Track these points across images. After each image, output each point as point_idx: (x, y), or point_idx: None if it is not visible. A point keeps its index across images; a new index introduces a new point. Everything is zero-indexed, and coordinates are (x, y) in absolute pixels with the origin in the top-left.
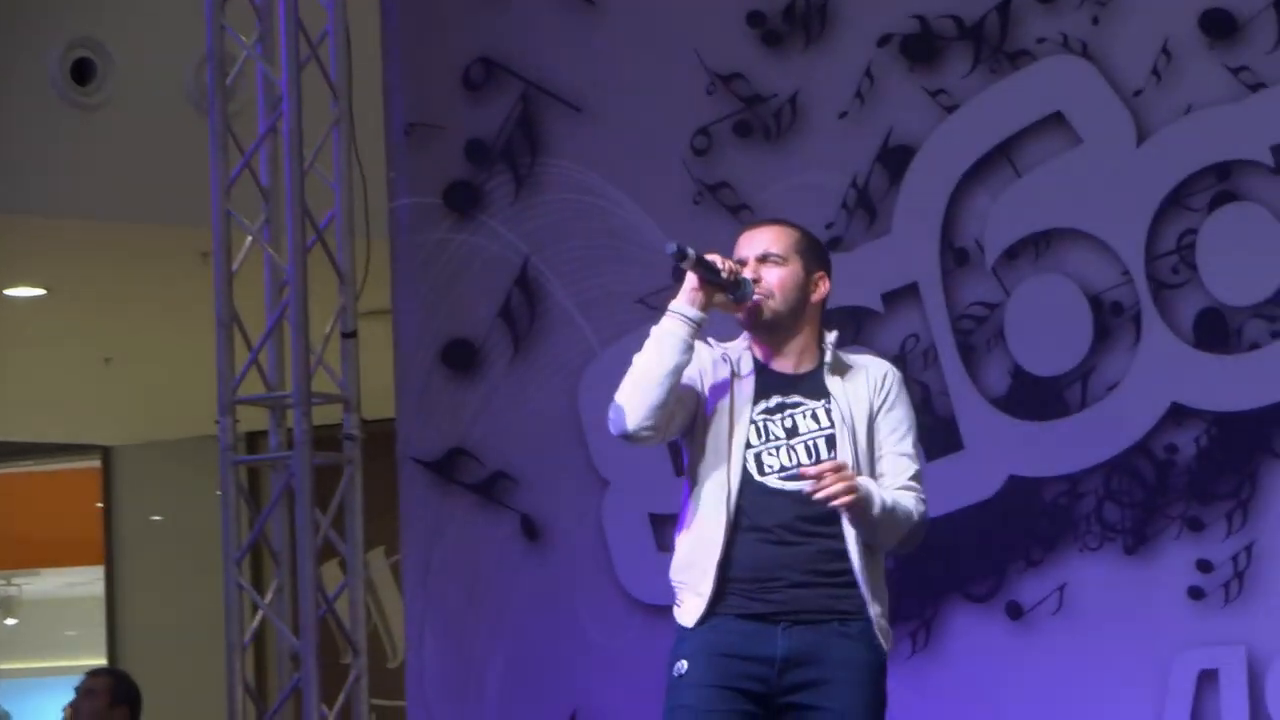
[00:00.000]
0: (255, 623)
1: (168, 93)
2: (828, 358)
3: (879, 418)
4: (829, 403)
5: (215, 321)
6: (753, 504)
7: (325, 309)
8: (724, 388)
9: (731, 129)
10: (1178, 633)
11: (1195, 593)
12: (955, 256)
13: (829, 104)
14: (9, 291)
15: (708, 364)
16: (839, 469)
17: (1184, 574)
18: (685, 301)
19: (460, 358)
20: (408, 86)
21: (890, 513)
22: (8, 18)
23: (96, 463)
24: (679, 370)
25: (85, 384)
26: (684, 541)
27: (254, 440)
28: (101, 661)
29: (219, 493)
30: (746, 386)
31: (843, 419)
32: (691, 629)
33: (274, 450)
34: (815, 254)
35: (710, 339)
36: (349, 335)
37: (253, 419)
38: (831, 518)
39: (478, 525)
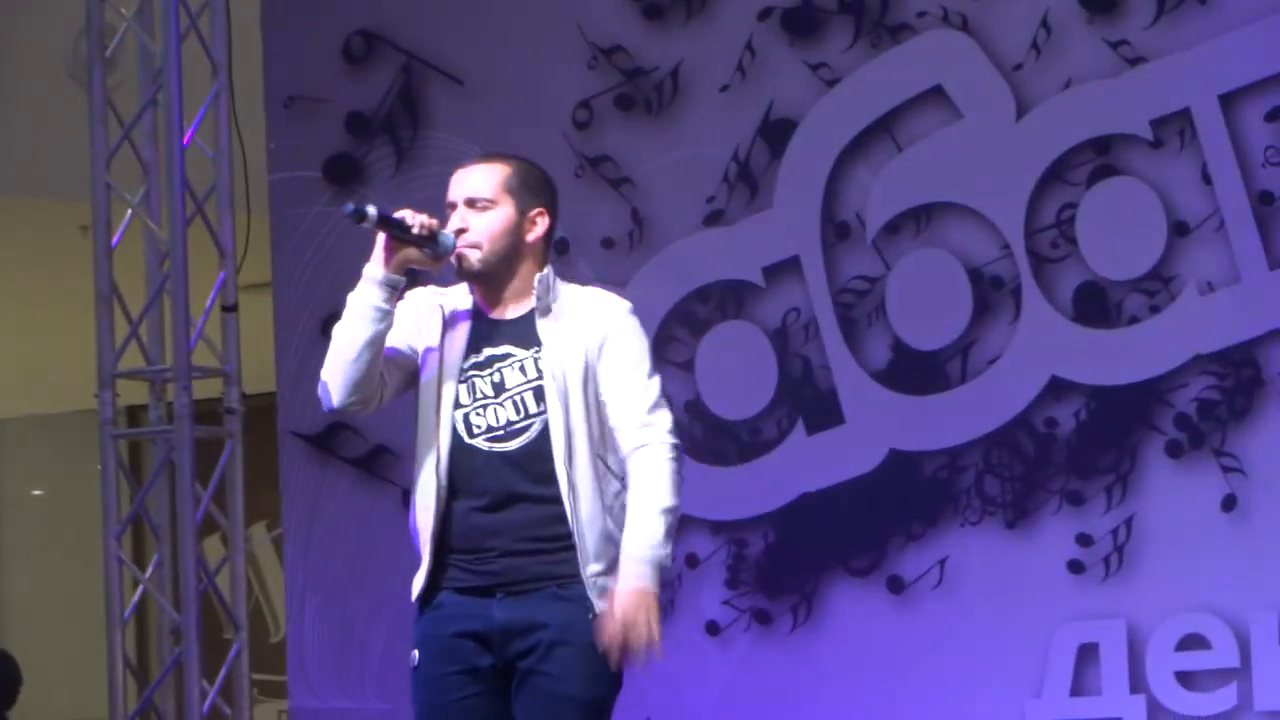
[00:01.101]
0: (136, 597)
1: (46, 64)
2: (537, 300)
3: (601, 360)
4: (538, 351)
5: (95, 295)
6: (464, 469)
7: (206, 282)
8: (437, 342)
9: (613, 102)
10: (1058, 606)
11: (1075, 566)
12: (836, 230)
13: (710, 77)
14: None
15: (423, 317)
16: (619, 631)
17: (1064, 548)
18: (376, 265)
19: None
20: (288, 59)
21: (671, 518)
22: None
23: None
24: (377, 339)
25: None
26: (412, 505)
27: (135, 414)
28: None
29: (100, 466)
30: (459, 339)
31: (551, 369)
32: (420, 610)
33: (155, 424)
34: (530, 189)
35: (433, 285)
36: (229, 309)
37: (133, 393)
38: (547, 479)
39: (359, 499)
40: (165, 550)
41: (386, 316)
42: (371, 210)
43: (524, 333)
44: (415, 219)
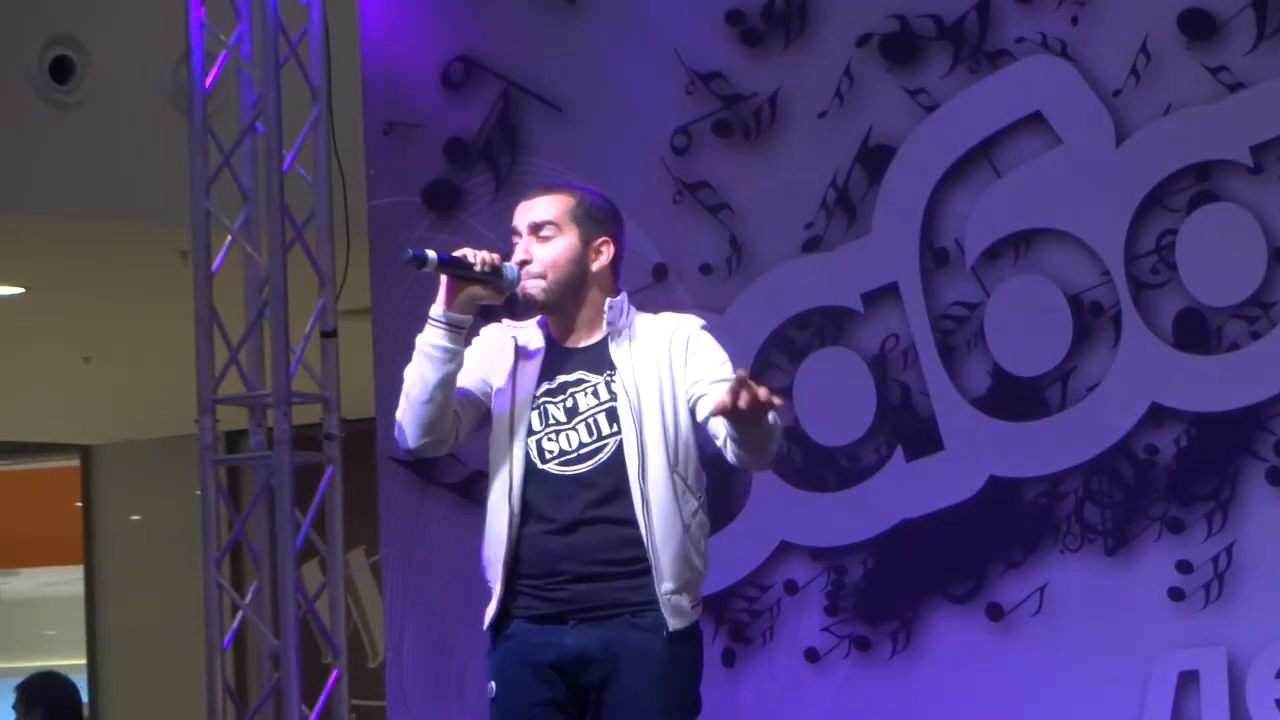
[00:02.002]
0: (235, 623)
1: (147, 91)
2: (609, 324)
3: (682, 370)
4: (612, 374)
5: (195, 321)
6: (537, 494)
7: (305, 308)
8: (510, 374)
9: (711, 128)
10: (1158, 634)
11: (1175, 594)
12: (935, 257)
13: (809, 103)
14: None
15: (496, 351)
16: (742, 386)
17: (1164, 575)
18: (439, 305)
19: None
20: (387, 85)
21: (774, 424)
22: None
23: (76, 462)
24: (447, 380)
25: (64, 383)
26: (484, 538)
27: (234, 439)
28: (81, 662)
29: (199, 492)
30: (532, 369)
31: (625, 390)
32: (494, 640)
33: (254, 450)
34: (594, 219)
35: (505, 319)
36: (329, 334)
37: (232, 418)
38: (620, 500)
39: (457, 525)
40: (265, 576)
41: (454, 357)
42: (431, 254)
43: (597, 358)
44: (476, 256)
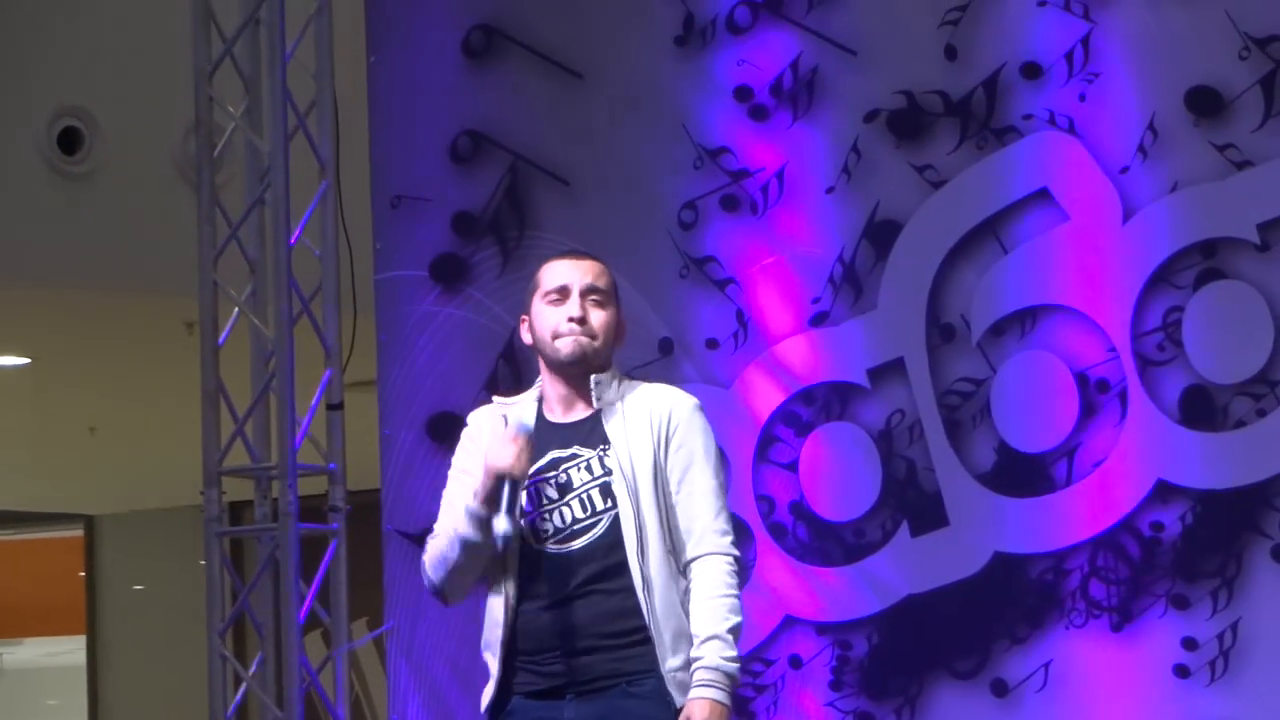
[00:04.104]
0: (239, 695)
1: (155, 162)
2: (594, 400)
3: (669, 457)
4: (606, 449)
5: (201, 392)
6: (532, 574)
7: (311, 380)
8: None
9: (718, 203)
10: (1164, 711)
11: (1181, 671)
12: (941, 332)
13: (816, 179)
14: None
15: (482, 443)
16: None
17: (1170, 652)
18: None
19: (446, 430)
20: (395, 158)
21: (738, 637)
22: None
23: (79, 531)
24: (474, 543)
25: (69, 453)
26: (484, 622)
27: (237, 509)
28: None
29: (202, 562)
30: None
31: (620, 465)
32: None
33: (259, 521)
34: (619, 298)
35: (496, 397)
36: (335, 407)
37: (237, 488)
38: (617, 574)
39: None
40: (269, 648)
41: (482, 525)
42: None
43: (590, 432)
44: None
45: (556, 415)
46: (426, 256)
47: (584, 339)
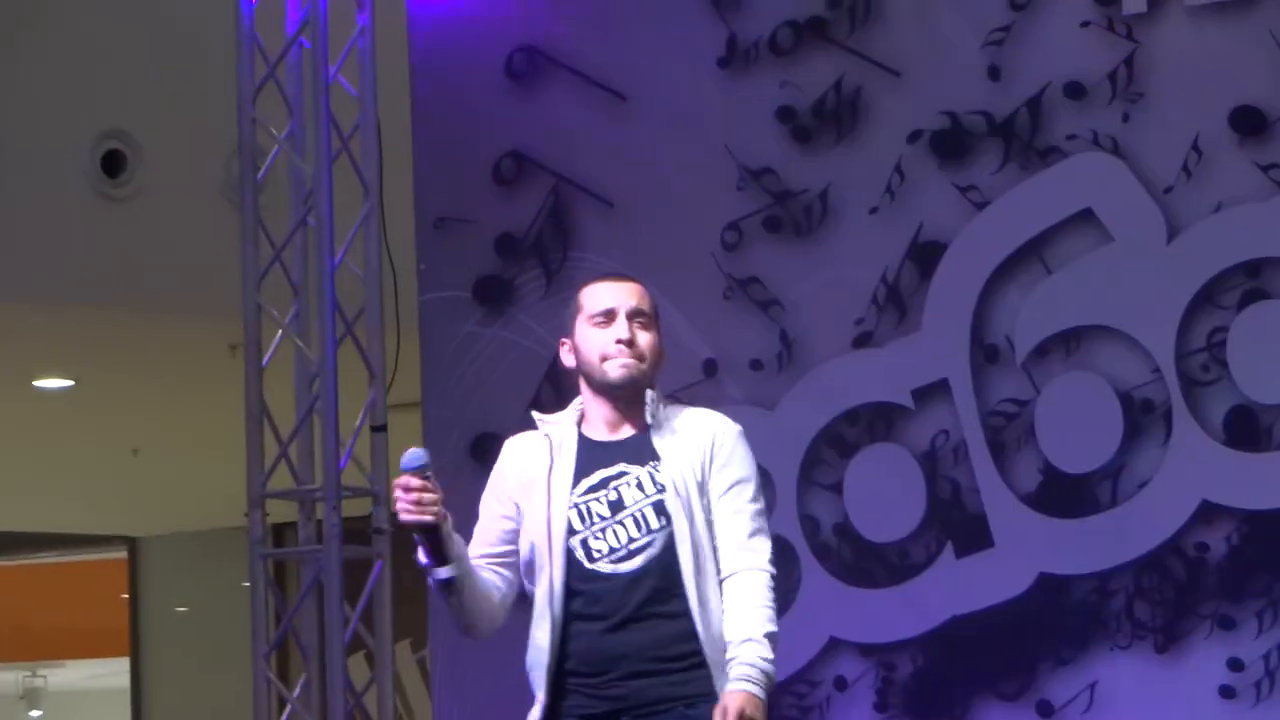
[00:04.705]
0: (284, 717)
1: (199, 185)
2: (650, 417)
3: (710, 479)
4: (656, 465)
5: (245, 414)
6: (585, 595)
7: (355, 402)
8: (541, 479)
9: (762, 224)
10: None
11: (1227, 692)
12: (985, 353)
13: (859, 199)
14: (38, 382)
15: (521, 464)
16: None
17: (1215, 672)
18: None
19: (489, 452)
20: (438, 180)
21: (775, 645)
22: (39, 109)
23: (123, 554)
24: (462, 588)
25: (113, 475)
26: (529, 644)
27: (281, 531)
28: None
29: (245, 584)
30: (566, 468)
31: (674, 482)
32: None
33: (303, 543)
34: (659, 321)
35: (536, 415)
36: (379, 429)
37: (281, 510)
38: (674, 595)
39: (507, 622)
40: (313, 670)
41: (453, 582)
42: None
43: (639, 450)
44: (422, 511)
45: (600, 435)
46: (470, 278)
47: (633, 361)
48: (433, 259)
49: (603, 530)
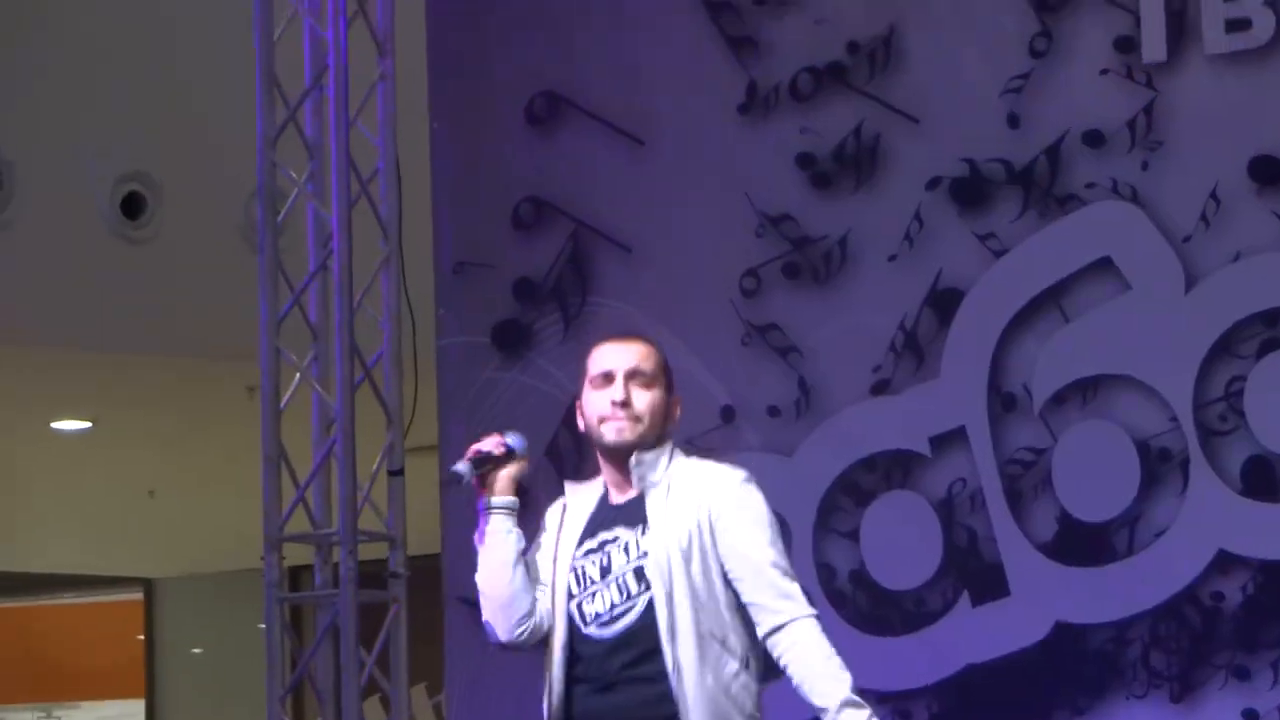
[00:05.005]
0: None
1: (218, 227)
2: (634, 480)
3: (720, 536)
4: (644, 529)
5: (262, 458)
6: (578, 657)
7: (372, 445)
8: (551, 543)
9: (780, 270)
10: None
11: None
12: (1003, 401)
13: (878, 246)
14: (55, 424)
15: (553, 521)
16: None
17: None
18: (484, 497)
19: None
20: (457, 225)
21: (857, 694)
22: (59, 151)
23: (138, 595)
24: (513, 560)
25: (129, 516)
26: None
27: (297, 573)
28: None
29: (261, 626)
30: (574, 530)
31: (654, 548)
32: None
33: (319, 587)
34: (670, 377)
35: (567, 483)
36: (396, 473)
37: (296, 551)
38: (652, 659)
39: (524, 668)
40: (328, 713)
41: (509, 535)
42: (461, 467)
43: (633, 513)
44: (489, 444)
45: (614, 498)
46: (488, 322)
47: (626, 423)
48: (451, 303)
49: (593, 595)
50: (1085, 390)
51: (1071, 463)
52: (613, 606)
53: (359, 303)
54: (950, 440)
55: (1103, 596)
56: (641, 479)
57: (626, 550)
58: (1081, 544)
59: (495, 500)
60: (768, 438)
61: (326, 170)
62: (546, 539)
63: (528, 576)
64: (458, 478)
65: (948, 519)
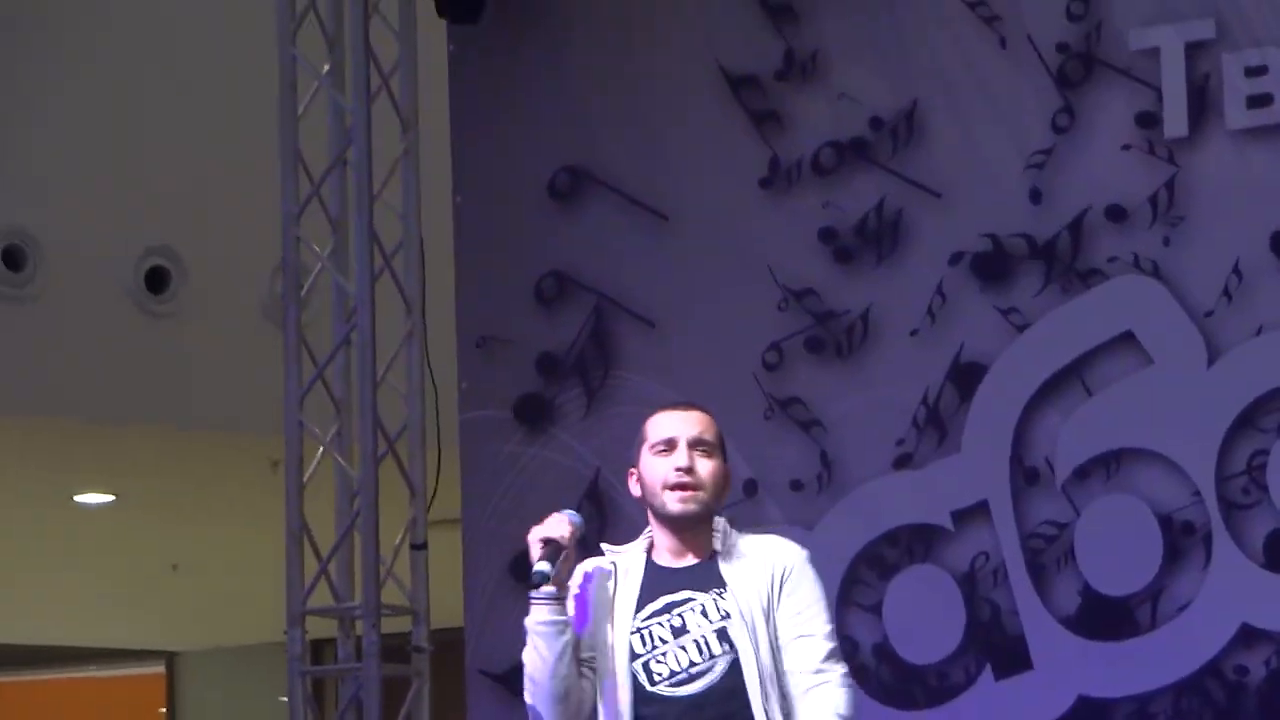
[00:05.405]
0: None
1: (242, 301)
2: (718, 544)
3: (779, 605)
4: (722, 592)
5: (285, 532)
6: (646, 716)
7: (396, 519)
8: (609, 601)
9: (803, 344)
10: None
11: None
12: (1025, 475)
13: (900, 321)
14: (79, 497)
15: (592, 588)
16: None
17: None
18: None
19: (529, 571)
20: (480, 299)
21: None
22: (84, 225)
23: (160, 668)
24: (566, 652)
25: (152, 590)
26: None
27: (319, 647)
28: None
29: (283, 699)
30: (631, 593)
31: (740, 609)
32: None
33: (342, 660)
34: (726, 448)
35: (605, 545)
36: (419, 547)
37: (319, 624)
38: (738, 716)
39: None
40: None
41: (566, 628)
42: (547, 567)
43: (704, 577)
44: (556, 529)
45: (667, 561)
46: (511, 397)
47: (690, 490)
48: (474, 377)
49: (664, 654)
50: (1108, 464)
51: (1094, 537)
52: (691, 665)
53: (382, 377)
54: (973, 514)
55: (1126, 670)
56: (720, 544)
57: (704, 612)
58: (1104, 618)
59: (549, 590)
60: (790, 511)
61: (350, 245)
62: (599, 607)
63: (575, 664)
64: (545, 577)
65: (970, 593)
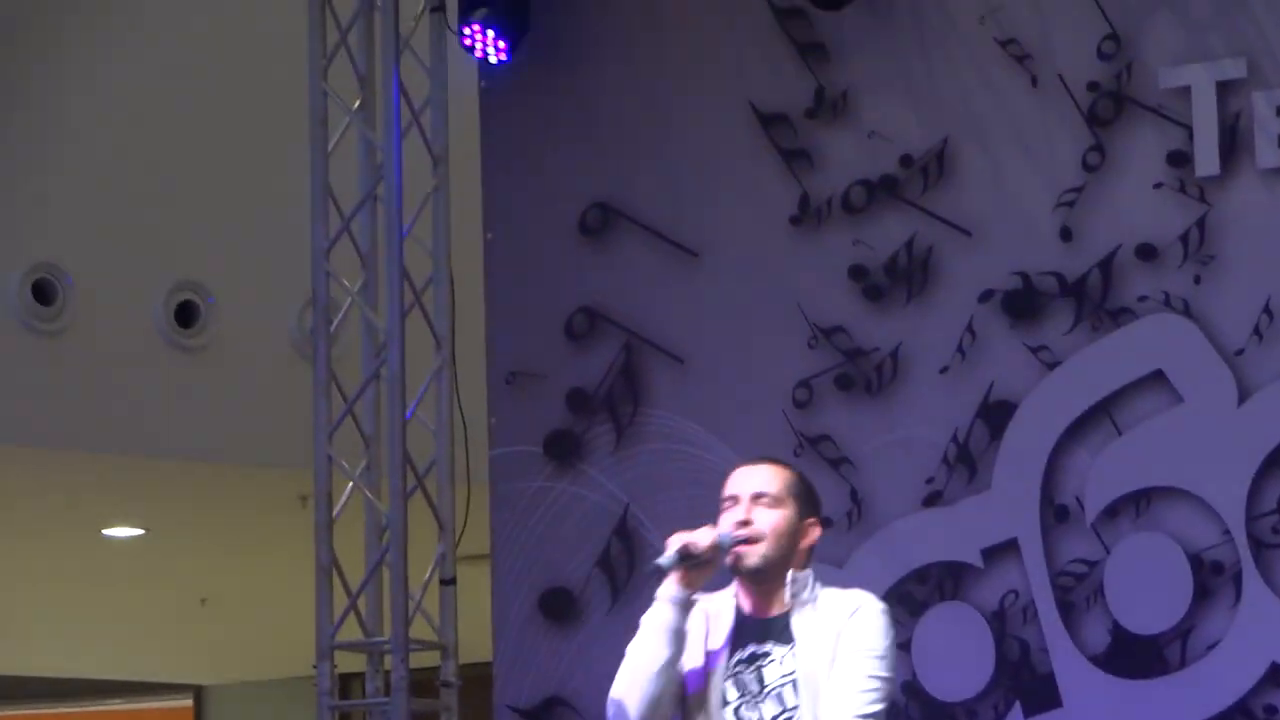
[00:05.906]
0: None
1: (271, 336)
2: (788, 596)
3: (841, 644)
4: (794, 647)
5: (315, 567)
6: None
7: (424, 554)
8: (703, 645)
9: (833, 382)
10: None
11: None
12: (1055, 513)
13: (930, 359)
14: (107, 531)
15: (696, 628)
16: None
17: None
18: (671, 585)
19: (558, 606)
20: (510, 335)
21: None
22: (114, 259)
23: (188, 701)
24: (672, 663)
25: (180, 624)
26: None
27: (348, 681)
28: None
29: None
30: (723, 639)
31: (805, 664)
32: None
33: (371, 695)
34: (809, 499)
35: (696, 596)
36: (448, 582)
37: (347, 659)
38: None
39: None
40: None
41: (682, 639)
42: (667, 560)
43: (783, 630)
44: (702, 540)
45: (749, 609)
46: (540, 432)
47: (748, 544)
48: (504, 413)
49: (754, 704)
50: (1138, 502)
51: (1124, 575)
52: (772, 718)
53: (412, 412)
54: (1002, 552)
55: (1155, 709)
56: (794, 595)
57: (781, 664)
58: (1134, 656)
59: (681, 594)
60: (820, 549)
61: (380, 280)
62: (692, 647)
63: (675, 679)
64: (659, 570)
65: (1000, 630)
